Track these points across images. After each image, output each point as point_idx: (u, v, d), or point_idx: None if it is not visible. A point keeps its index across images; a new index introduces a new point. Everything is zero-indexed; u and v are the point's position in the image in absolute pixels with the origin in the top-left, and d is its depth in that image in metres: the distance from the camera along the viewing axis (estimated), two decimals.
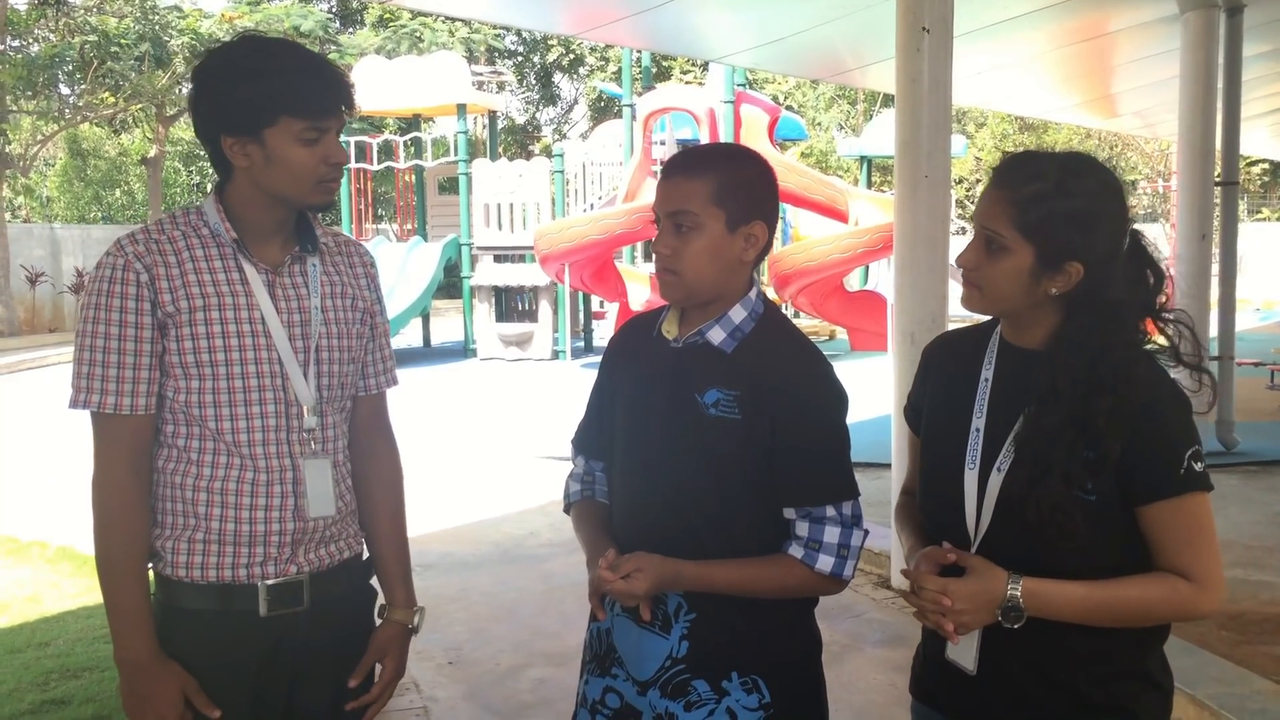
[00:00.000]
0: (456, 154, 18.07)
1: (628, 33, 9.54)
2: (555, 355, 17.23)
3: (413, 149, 19.28)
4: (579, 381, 14.45)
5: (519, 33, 35.49)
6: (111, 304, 1.91)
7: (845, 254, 15.58)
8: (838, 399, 1.94)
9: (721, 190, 1.90)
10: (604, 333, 18.84)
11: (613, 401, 2.09)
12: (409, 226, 20.48)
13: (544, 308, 17.32)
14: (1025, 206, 1.76)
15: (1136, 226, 1.83)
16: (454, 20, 28.22)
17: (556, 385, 14.29)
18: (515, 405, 12.21)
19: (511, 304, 18.20)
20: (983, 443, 1.83)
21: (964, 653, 1.83)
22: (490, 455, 9.55)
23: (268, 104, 1.89)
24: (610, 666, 2.03)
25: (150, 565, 1.99)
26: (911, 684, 2.07)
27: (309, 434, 2.02)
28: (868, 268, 19.62)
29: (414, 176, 20.05)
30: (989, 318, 1.93)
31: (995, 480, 1.79)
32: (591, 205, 17.21)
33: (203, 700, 1.94)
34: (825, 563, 1.88)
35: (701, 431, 1.90)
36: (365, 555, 2.21)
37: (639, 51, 18.07)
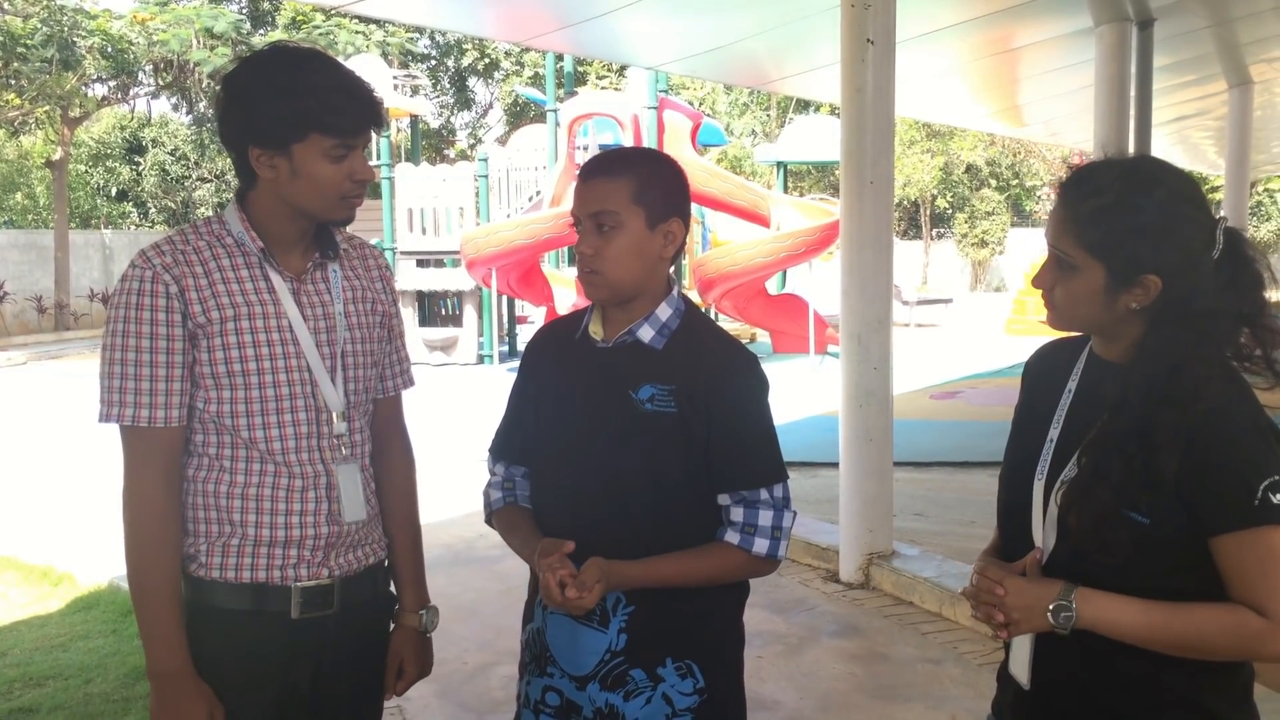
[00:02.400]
0: (379, 158, 17.96)
1: (562, 40, 9.63)
2: (481, 360, 17.21)
3: None
4: (507, 386, 14.46)
5: (432, 36, 35.27)
6: (141, 317, 1.90)
7: (768, 258, 15.84)
8: (764, 387, 2.04)
9: (640, 189, 1.97)
10: (529, 337, 18.86)
11: (535, 406, 2.13)
12: None
13: (469, 312, 17.29)
14: (1087, 224, 1.68)
15: (1230, 225, 1.70)
16: (368, 23, 27.97)
17: (486, 389, 14.27)
18: (447, 410, 12.19)
19: (435, 309, 18.14)
20: (1054, 453, 1.77)
21: (1019, 666, 1.79)
22: (429, 460, 9.52)
23: (299, 120, 1.89)
24: (546, 665, 2.07)
25: (184, 569, 2.01)
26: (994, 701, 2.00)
27: (339, 439, 2.05)
28: (785, 272, 19.94)
29: None
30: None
31: (1060, 491, 1.73)
32: (515, 211, 17.23)
33: None
34: (761, 545, 1.97)
35: (638, 427, 1.96)
36: (386, 561, 2.23)
37: (561, 58, 18.14)
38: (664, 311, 2.03)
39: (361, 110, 1.95)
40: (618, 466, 1.97)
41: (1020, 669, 1.78)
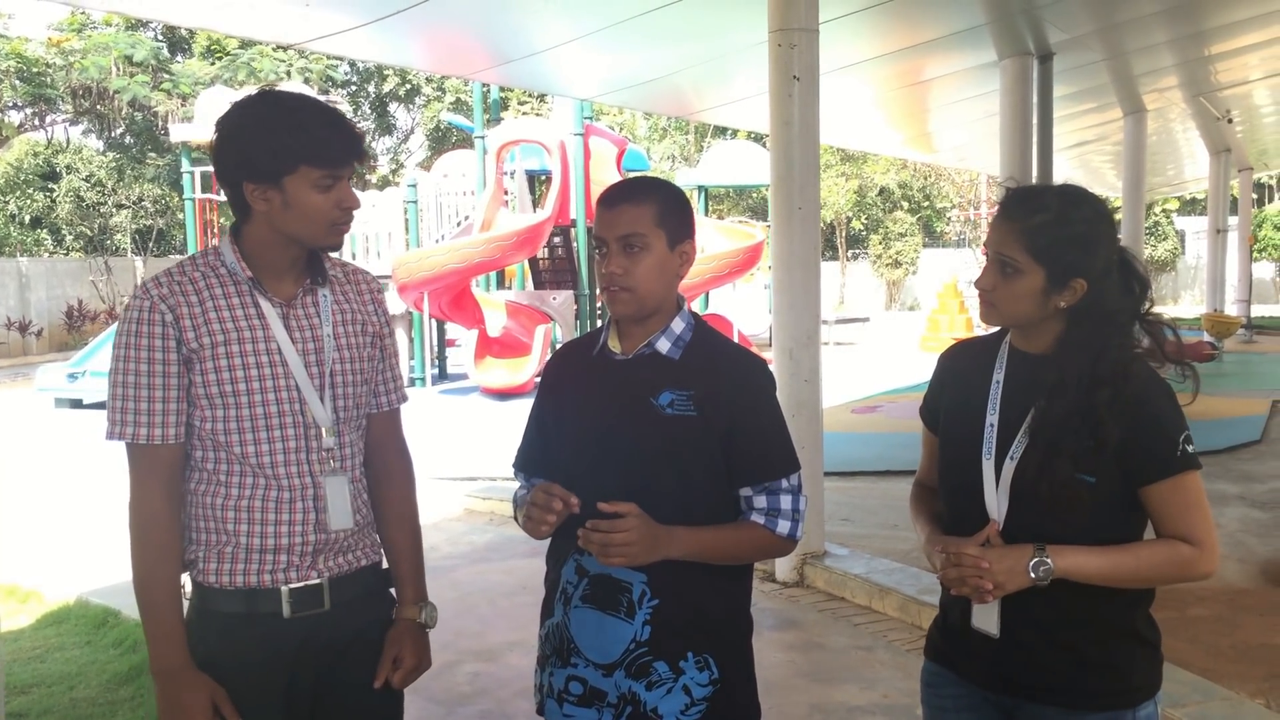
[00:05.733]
0: None
1: (498, 74, 9.96)
2: (412, 382, 17.36)
3: None
4: (441, 408, 14.67)
5: (353, 63, 35.29)
6: (140, 343, 2.07)
7: (694, 279, 16.27)
8: (775, 386, 2.24)
9: (662, 213, 2.13)
10: (457, 360, 19.06)
11: (557, 421, 2.26)
12: None
13: (399, 335, 17.46)
14: (1034, 234, 1.99)
15: (1121, 244, 2.07)
16: (287, 49, 27.96)
17: (420, 411, 14.47)
18: None
19: None
20: (997, 436, 2.05)
21: (988, 620, 2.05)
22: None
23: (288, 154, 2.04)
24: (570, 657, 2.17)
25: (186, 573, 2.16)
26: (927, 648, 2.30)
27: (328, 453, 2.19)
28: (708, 293, 20.44)
29: None
30: (997, 329, 2.19)
31: (1009, 468, 2.02)
32: (444, 235, 17.47)
33: (230, 710, 2.09)
34: (784, 527, 2.14)
35: (660, 429, 2.11)
36: (384, 565, 2.35)
37: (487, 86, 18.44)
38: (678, 325, 2.19)
39: (346, 143, 2.10)
40: (643, 469, 2.11)
41: (989, 622, 2.05)
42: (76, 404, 15.75)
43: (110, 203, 31.79)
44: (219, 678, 2.10)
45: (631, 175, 2.64)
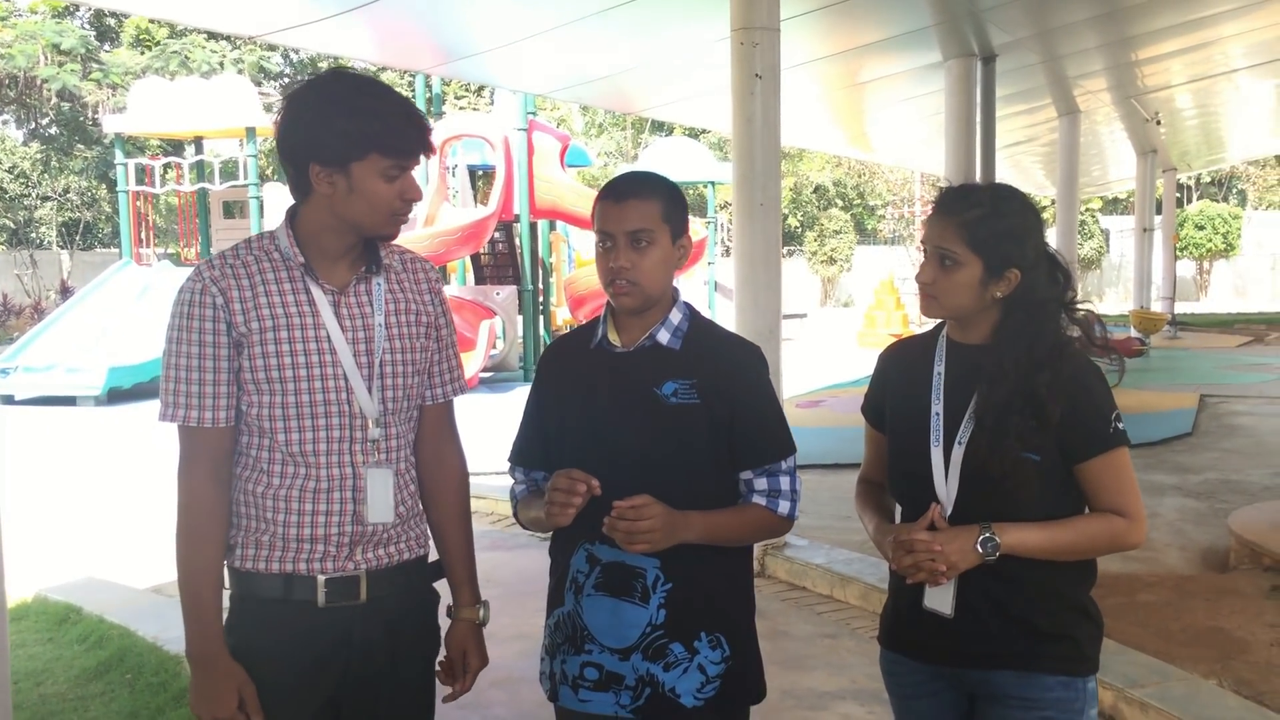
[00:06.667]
0: (246, 177, 17.86)
1: (450, 69, 9.90)
2: None
3: (195, 172, 18.87)
4: None
5: (286, 54, 34.83)
6: (191, 325, 2.05)
7: None
8: (769, 371, 2.28)
9: (668, 209, 2.18)
10: None
11: (559, 416, 2.27)
12: (195, 250, 19.98)
13: None
14: (972, 226, 2.09)
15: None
16: (216, 38, 27.53)
17: None
18: None
19: None
20: (943, 423, 2.15)
21: (942, 600, 2.12)
22: None
23: (361, 140, 2.00)
24: (583, 643, 2.19)
25: (226, 561, 2.14)
26: (881, 636, 2.35)
27: (373, 444, 2.14)
28: None
29: (197, 199, 19.62)
30: (934, 324, 2.29)
31: (958, 452, 2.12)
32: None
33: (254, 705, 2.08)
34: (784, 507, 2.21)
35: (666, 418, 2.15)
36: (432, 558, 2.30)
37: (429, 83, 18.32)
38: (675, 316, 2.23)
39: (418, 134, 2.07)
40: (650, 457, 2.15)
41: (943, 603, 2.13)
42: (8, 400, 15.37)
43: (35, 195, 31.08)
44: (254, 664, 2.10)
45: (629, 172, 2.59)
